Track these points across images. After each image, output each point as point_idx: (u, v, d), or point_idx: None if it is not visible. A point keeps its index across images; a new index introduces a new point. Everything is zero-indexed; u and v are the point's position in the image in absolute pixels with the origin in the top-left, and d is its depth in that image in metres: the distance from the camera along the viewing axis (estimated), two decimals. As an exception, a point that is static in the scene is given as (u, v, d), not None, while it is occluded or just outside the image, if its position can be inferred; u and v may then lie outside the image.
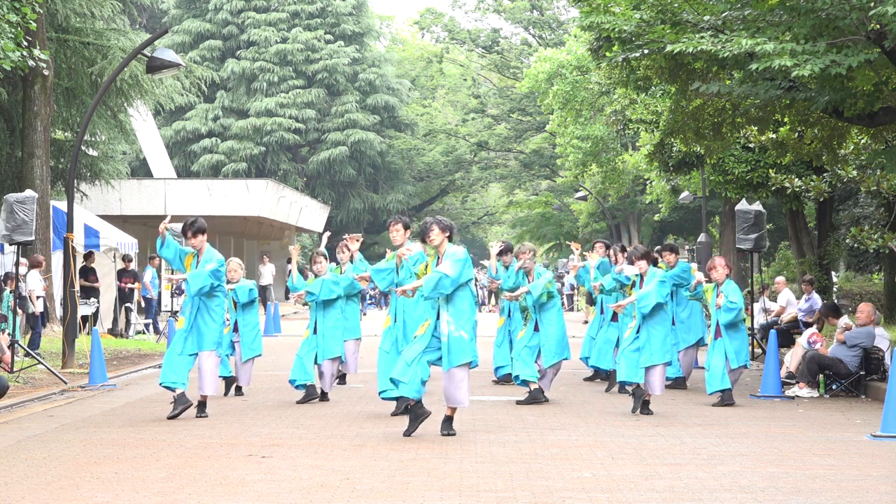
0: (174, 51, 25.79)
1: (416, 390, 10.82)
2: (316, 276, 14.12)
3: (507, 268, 14.96)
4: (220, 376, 14.64)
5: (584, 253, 16.07)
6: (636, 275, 13.36)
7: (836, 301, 22.09)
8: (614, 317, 15.26)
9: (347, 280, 14.46)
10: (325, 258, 14.24)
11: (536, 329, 14.09)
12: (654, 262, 14.40)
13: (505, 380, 15.90)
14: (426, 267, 11.15)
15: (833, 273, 27.77)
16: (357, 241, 13.90)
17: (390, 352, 12.23)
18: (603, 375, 16.27)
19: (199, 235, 12.38)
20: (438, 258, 10.94)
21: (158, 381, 12.62)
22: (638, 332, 12.99)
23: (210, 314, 12.33)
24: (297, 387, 14.01)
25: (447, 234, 10.91)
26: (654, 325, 12.95)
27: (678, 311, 15.75)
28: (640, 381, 12.81)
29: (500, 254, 15.53)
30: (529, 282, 14.09)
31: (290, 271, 15.11)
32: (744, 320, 14.25)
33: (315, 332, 14.00)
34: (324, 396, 14.12)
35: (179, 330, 12.57)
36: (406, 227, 12.26)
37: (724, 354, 13.95)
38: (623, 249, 15.97)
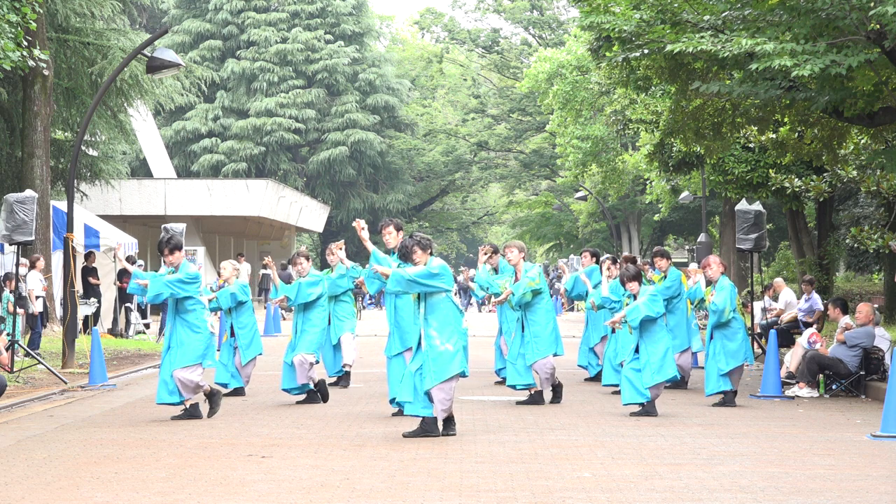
0: (174, 51, 25.79)
1: (425, 406, 10.88)
2: (299, 276, 14.14)
3: (495, 270, 14.98)
4: (231, 387, 14.72)
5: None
6: (628, 295, 13.26)
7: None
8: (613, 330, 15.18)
9: (328, 280, 14.57)
10: (307, 259, 14.24)
11: (524, 330, 13.95)
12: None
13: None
14: None
15: None
16: (340, 248, 14.10)
17: (392, 358, 12.25)
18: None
19: (176, 252, 12.34)
20: None
21: (155, 400, 12.58)
22: (637, 351, 12.92)
23: (188, 328, 12.23)
24: (296, 394, 13.99)
25: (429, 252, 11.10)
26: (652, 342, 12.78)
27: (668, 317, 15.68)
28: (647, 399, 12.74)
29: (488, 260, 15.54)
30: (517, 279, 13.95)
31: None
32: (732, 319, 13.94)
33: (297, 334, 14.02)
34: (319, 395, 13.98)
35: (164, 349, 12.53)
36: (398, 229, 12.40)
37: (717, 357, 13.88)
38: (614, 261, 15.90)
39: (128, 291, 13.00)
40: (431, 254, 11.12)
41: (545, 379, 13.87)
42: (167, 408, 12.73)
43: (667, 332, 13.09)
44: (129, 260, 26.18)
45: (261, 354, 15.00)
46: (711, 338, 14.02)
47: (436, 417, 10.89)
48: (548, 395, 14.07)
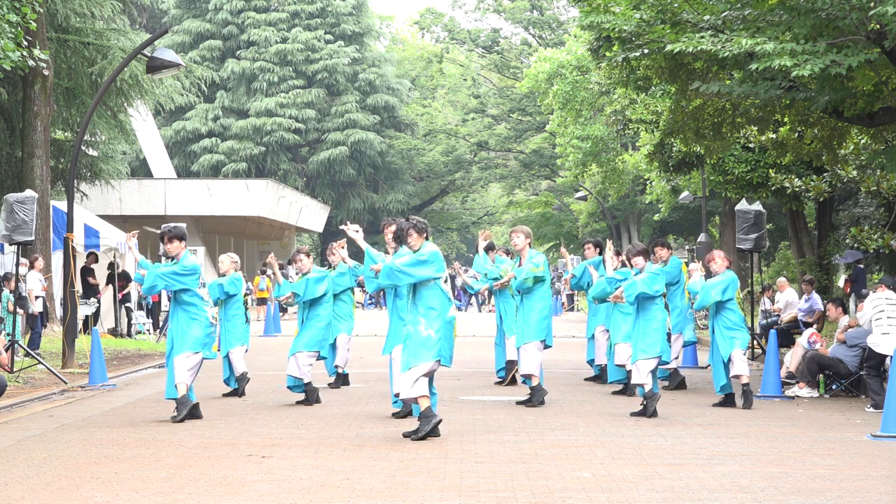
0: (174, 51, 25.79)
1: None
2: (301, 274, 14.10)
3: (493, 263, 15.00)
4: (232, 386, 14.77)
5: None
6: (636, 272, 13.24)
7: None
8: None
9: (330, 278, 14.70)
10: (308, 256, 14.23)
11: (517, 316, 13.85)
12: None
13: (507, 381, 15.89)
14: None
15: None
16: (342, 247, 14.05)
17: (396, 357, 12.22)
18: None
19: (175, 241, 12.27)
20: None
21: (165, 395, 12.59)
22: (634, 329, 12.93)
23: (188, 316, 12.19)
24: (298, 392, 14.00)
25: (424, 236, 11.00)
26: (645, 319, 12.81)
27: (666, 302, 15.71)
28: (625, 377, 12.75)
29: (486, 250, 15.51)
30: (521, 266, 13.88)
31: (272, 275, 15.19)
32: (728, 309, 13.87)
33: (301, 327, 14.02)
34: (311, 393, 13.88)
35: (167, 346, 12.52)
36: None
37: (717, 349, 13.82)
38: (618, 253, 15.85)
39: (134, 280, 12.98)
40: (427, 238, 11.07)
41: (533, 363, 13.57)
42: (167, 408, 12.73)
43: (664, 314, 13.04)
44: (116, 267, 26.13)
45: (247, 350, 15.01)
46: (713, 332, 13.95)
47: (428, 409, 10.77)
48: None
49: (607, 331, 15.53)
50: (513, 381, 15.71)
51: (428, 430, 10.69)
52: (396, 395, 11.89)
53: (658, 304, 12.86)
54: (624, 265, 14.53)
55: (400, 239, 11.21)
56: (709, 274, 14.39)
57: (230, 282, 14.88)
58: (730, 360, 13.66)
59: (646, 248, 13.38)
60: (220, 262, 15.14)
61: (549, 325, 13.85)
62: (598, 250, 16.23)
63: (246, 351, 15.02)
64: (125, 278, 25.94)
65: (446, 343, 10.90)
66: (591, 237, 17.47)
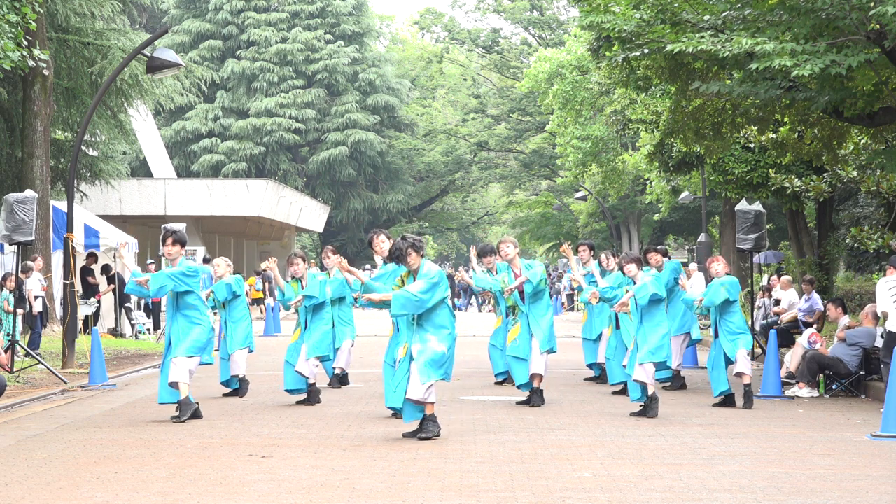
0: (174, 51, 25.78)
1: (420, 410, 10.84)
2: (294, 278, 13.97)
3: (489, 270, 14.88)
4: (232, 387, 14.77)
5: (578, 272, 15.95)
6: (629, 282, 13.25)
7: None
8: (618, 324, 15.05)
9: (336, 282, 14.70)
10: (304, 259, 14.16)
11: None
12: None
13: (507, 381, 15.87)
14: (402, 281, 11.07)
15: None
16: (328, 257, 14.13)
17: (392, 364, 12.17)
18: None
19: (178, 245, 12.28)
20: (413, 275, 10.90)
21: (157, 400, 12.58)
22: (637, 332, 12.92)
23: (188, 321, 12.18)
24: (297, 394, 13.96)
25: (422, 254, 10.93)
26: (651, 324, 12.80)
27: (668, 306, 15.69)
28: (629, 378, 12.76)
29: (482, 255, 15.37)
30: (515, 276, 13.85)
31: (273, 278, 15.07)
32: (732, 312, 13.91)
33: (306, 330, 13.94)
34: (313, 394, 13.82)
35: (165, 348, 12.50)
36: (389, 238, 12.39)
37: (722, 353, 13.86)
38: (615, 254, 15.85)
39: (125, 291, 12.98)
40: (423, 256, 11.05)
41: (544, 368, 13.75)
42: (167, 408, 12.73)
43: (667, 319, 13.05)
44: (107, 270, 26.00)
45: (252, 350, 14.99)
46: (716, 336, 13.95)
47: (433, 415, 10.80)
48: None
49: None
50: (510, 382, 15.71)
51: (436, 432, 10.73)
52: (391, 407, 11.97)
53: (661, 309, 12.88)
54: (621, 267, 14.53)
55: (398, 259, 11.06)
56: (707, 277, 14.43)
57: (237, 281, 14.89)
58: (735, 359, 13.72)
59: (638, 256, 13.35)
60: (217, 266, 15.09)
61: (553, 333, 13.98)
62: (591, 252, 16.30)
63: (250, 351, 15.01)
64: (116, 280, 25.84)
65: (451, 361, 10.97)
66: (586, 239, 17.44)
